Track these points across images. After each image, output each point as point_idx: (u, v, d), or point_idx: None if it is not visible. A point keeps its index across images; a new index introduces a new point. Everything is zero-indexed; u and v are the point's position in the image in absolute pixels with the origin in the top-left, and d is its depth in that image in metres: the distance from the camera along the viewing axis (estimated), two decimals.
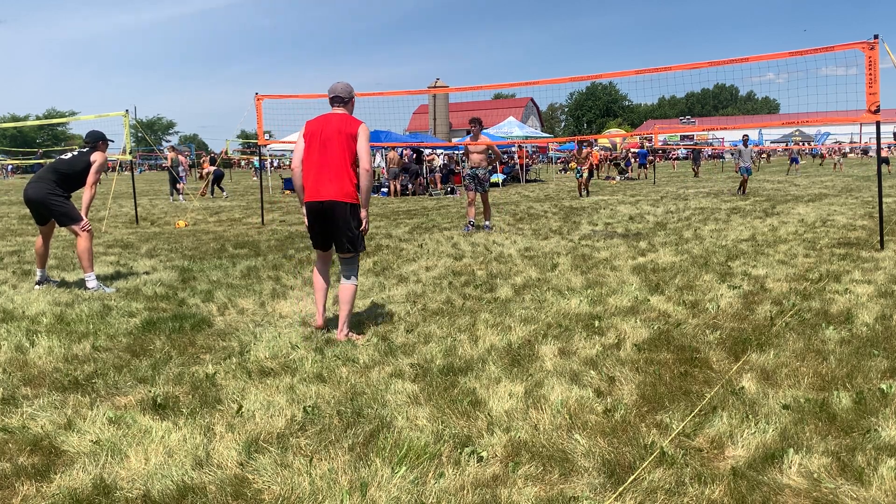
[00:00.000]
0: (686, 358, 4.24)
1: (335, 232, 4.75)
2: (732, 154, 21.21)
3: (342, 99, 4.83)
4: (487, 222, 11.63)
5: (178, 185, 21.81)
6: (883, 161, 30.91)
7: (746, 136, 19.84)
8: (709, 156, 61.87)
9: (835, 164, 35.93)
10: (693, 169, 34.73)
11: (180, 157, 24.41)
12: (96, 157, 6.89)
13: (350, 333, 4.88)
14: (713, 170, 41.07)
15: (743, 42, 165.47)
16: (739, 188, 19.14)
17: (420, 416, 3.41)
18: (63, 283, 7.05)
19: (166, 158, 23.48)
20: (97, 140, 7.10)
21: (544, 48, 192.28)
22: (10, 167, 53.12)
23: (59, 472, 2.90)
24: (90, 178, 6.82)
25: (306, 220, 4.87)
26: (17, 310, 5.83)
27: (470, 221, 11.61)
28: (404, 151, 24.55)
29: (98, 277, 7.29)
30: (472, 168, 11.63)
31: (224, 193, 23.01)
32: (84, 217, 6.91)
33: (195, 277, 7.28)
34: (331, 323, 5.13)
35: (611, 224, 12.06)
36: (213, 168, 24.02)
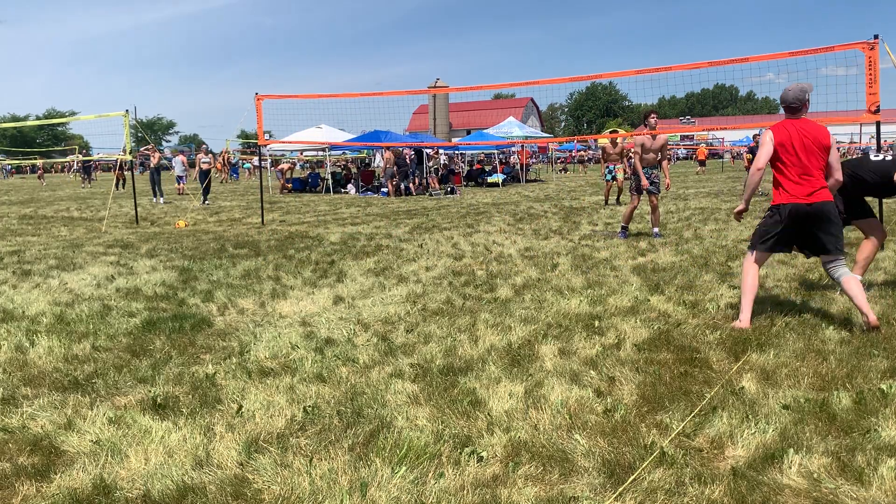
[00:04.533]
0: (686, 358, 4.24)
1: None
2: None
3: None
4: (657, 229, 10.22)
5: (157, 189, 21.31)
6: None
7: None
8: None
9: None
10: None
11: (180, 157, 24.24)
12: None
13: None
14: (713, 170, 41.03)
15: (743, 42, 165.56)
16: None
17: (420, 416, 3.41)
18: (63, 283, 7.05)
19: (152, 158, 22.27)
20: None
21: (544, 48, 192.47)
22: (8, 167, 53.22)
23: (59, 472, 2.90)
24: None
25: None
26: (17, 310, 5.83)
27: (649, 229, 10.22)
28: (403, 151, 24.52)
29: (97, 277, 7.30)
30: (648, 168, 10.04)
31: (205, 201, 19.76)
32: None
33: (195, 277, 7.28)
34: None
35: (611, 224, 12.06)
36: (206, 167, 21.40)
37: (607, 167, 16.45)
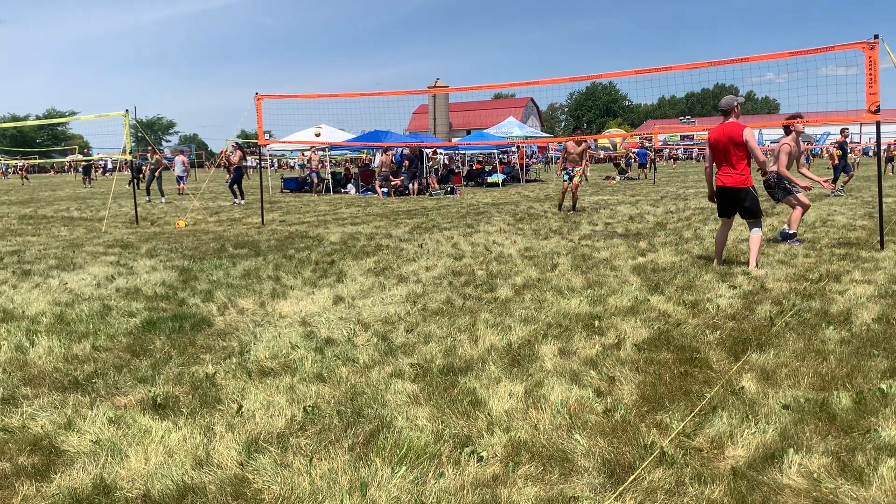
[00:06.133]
0: (686, 358, 4.24)
1: None
2: None
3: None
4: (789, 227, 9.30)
5: (142, 187, 20.96)
6: (888, 160, 30.89)
7: None
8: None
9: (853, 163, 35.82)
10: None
11: (181, 157, 24.21)
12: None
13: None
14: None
15: (743, 42, 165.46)
16: None
17: (420, 416, 3.41)
18: (62, 283, 7.05)
19: (152, 160, 22.16)
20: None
21: (544, 48, 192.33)
22: (5, 167, 53.21)
23: (59, 472, 2.90)
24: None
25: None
26: (17, 310, 5.83)
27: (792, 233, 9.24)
28: (403, 152, 24.52)
29: (97, 277, 7.30)
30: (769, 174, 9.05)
31: (241, 200, 19.64)
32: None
33: (195, 277, 7.28)
34: None
35: (611, 224, 12.06)
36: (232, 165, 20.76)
37: (565, 169, 14.60)
